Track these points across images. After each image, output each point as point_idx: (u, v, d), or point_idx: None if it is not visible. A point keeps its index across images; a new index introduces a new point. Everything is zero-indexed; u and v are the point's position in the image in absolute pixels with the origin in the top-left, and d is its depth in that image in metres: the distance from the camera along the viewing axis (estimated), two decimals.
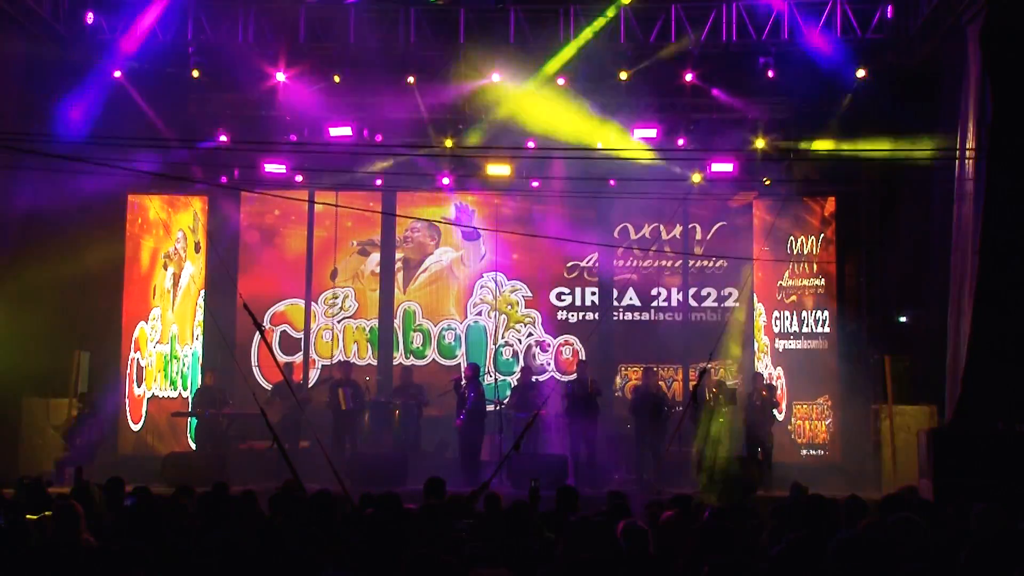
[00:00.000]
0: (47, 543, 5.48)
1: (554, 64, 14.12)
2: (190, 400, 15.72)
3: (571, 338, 16.53)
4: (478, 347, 16.55)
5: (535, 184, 15.81)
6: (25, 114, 12.63)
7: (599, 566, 4.29)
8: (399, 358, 16.51)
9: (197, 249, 16.44)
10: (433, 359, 16.50)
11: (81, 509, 5.68)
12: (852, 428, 14.82)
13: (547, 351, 16.57)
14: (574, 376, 15.10)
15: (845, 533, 4.75)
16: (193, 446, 15.07)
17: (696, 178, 15.32)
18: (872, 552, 4.46)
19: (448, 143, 15.19)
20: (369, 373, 16.00)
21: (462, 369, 15.47)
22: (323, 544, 5.60)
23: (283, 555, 5.21)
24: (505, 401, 14.74)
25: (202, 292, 16.36)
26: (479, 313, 16.70)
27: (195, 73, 14.15)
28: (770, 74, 13.92)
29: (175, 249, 16.20)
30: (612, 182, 15.56)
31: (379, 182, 16.13)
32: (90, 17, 14.01)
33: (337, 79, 14.43)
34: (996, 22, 11.21)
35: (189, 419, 15.31)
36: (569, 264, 16.57)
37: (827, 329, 15.61)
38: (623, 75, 14.06)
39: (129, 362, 15.44)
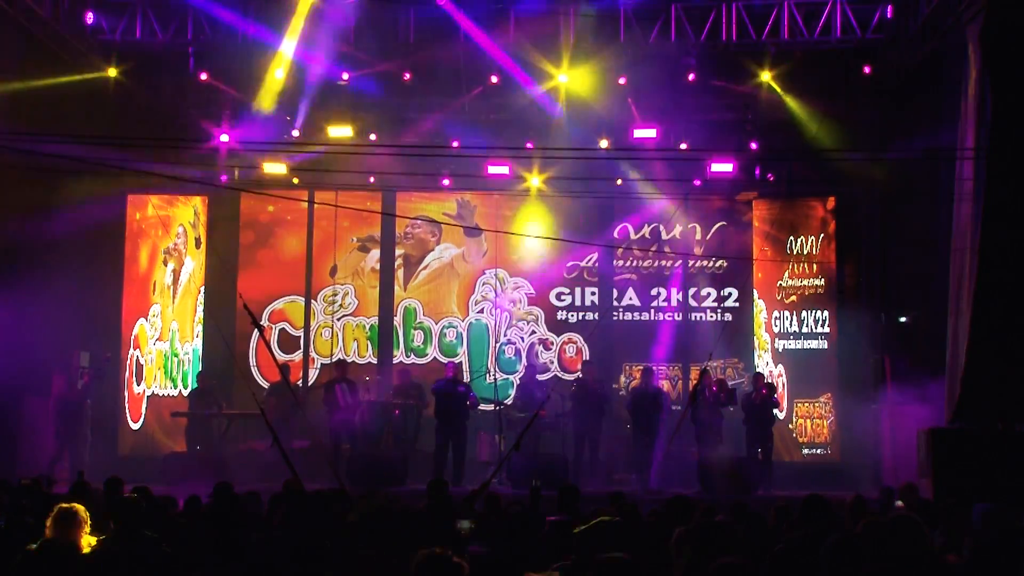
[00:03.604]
0: (46, 544, 5.47)
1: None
2: (188, 399, 15.71)
3: (575, 336, 16.51)
4: (480, 345, 16.54)
5: (535, 183, 15.83)
6: (24, 114, 12.62)
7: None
8: (399, 356, 16.47)
9: (197, 245, 16.42)
10: (434, 357, 16.44)
11: (83, 511, 5.68)
12: (852, 428, 14.84)
13: (550, 349, 16.56)
14: (579, 375, 15.10)
15: (838, 534, 4.77)
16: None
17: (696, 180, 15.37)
18: (863, 553, 4.48)
19: (450, 143, 15.26)
20: (369, 371, 15.97)
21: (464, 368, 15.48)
22: (323, 544, 5.61)
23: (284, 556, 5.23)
24: (507, 401, 14.72)
25: (202, 289, 16.35)
26: (481, 311, 16.68)
27: (200, 75, 14.21)
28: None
29: (175, 245, 16.20)
30: (617, 181, 15.58)
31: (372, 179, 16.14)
32: (90, 17, 14.02)
33: (346, 77, 14.49)
34: (996, 22, 11.21)
35: (188, 419, 15.29)
36: (569, 264, 16.56)
37: (827, 329, 15.63)
38: (621, 80, 14.12)
39: (129, 359, 15.45)
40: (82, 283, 14.14)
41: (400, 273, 16.71)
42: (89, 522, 5.80)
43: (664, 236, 16.55)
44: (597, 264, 16.54)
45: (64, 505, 5.78)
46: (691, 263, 16.30)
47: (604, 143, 15.02)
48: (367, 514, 6.54)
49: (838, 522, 6.51)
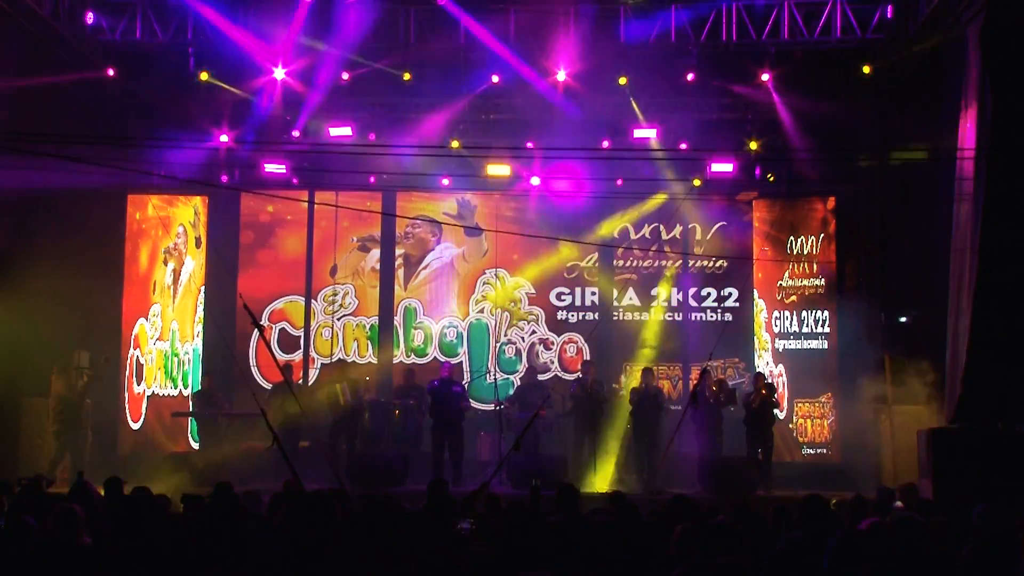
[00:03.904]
0: (46, 544, 5.47)
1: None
2: (190, 399, 15.72)
3: (575, 336, 16.51)
4: (480, 345, 16.52)
5: (535, 183, 15.83)
6: (24, 113, 12.62)
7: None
8: (400, 356, 16.47)
9: (198, 244, 16.42)
10: (434, 357, 16.43)
11: (82, 511, 5.67)
12: (852, 428, 14.84)
13: (550, 349, 16.55)
14: (579, 375, 15.10)
15: (841, 533, 4.77)
16: (196, 446, 15.05)
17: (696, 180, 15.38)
18: (867, 552, 4.48)
19: (452, 144, 15.26)
20: (369, 371, 15.96)
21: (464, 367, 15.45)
22: (323, 544, 5.61)
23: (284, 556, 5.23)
24: (507, 400, 14.71)
25: (202, 288, 16.34)
26: (481, 311, 16.66)
27: (200, 75, 14.20)
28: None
29: (175, 244, 16.19)
30: (618, 182, 15.59)
31: (373, 179, 16.12)
32: (90, 17, 14.02)
33: (346, 76, 14.49)
34: (996, 22, 11.21)
35: (190, 420, 15.30)
36: (569, 264, 16.55)
37: (827, 329, 15.63)
38: (621, 80, 14.13)
39: (129, 359, 15.44)
40: (82, 283, 14.13)
41: (400, 273, 16.71)
42: (88, 522, 5.80)
43: (664, 236, 16.55)
44: (597, 264, 16.54)
45: (64, 505, 5.78)
46: (691, 263, 16.31)
47: (604, 143, 15.01)
48: (363, 514, 6.54)
49: (838, 522, 6.51)
